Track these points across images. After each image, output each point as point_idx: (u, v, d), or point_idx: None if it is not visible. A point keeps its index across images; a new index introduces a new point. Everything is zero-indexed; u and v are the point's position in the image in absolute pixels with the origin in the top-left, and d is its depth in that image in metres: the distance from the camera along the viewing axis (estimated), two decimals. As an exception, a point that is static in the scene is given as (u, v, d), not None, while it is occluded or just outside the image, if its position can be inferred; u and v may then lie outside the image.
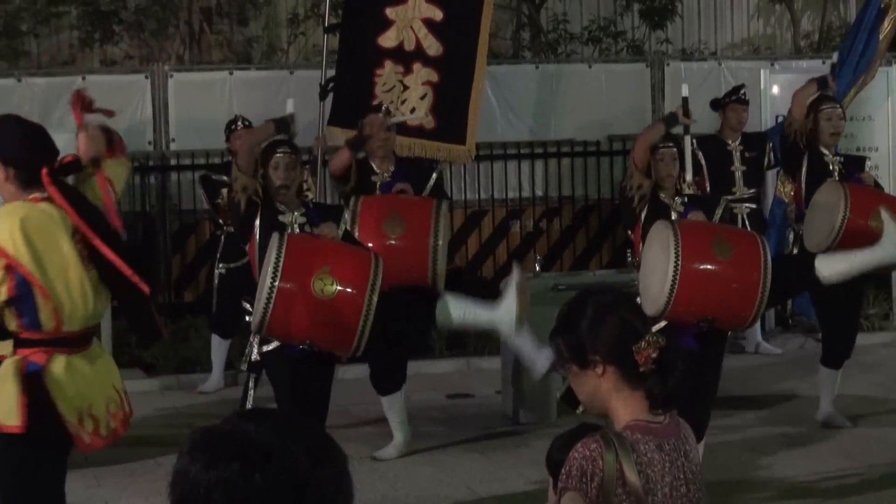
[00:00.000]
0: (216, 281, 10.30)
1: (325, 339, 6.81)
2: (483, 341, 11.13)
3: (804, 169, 8.99)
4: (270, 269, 6.61)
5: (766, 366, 10.34)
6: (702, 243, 6.95)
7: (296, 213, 7.41)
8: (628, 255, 9.73)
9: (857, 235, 7.98)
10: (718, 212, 7.76)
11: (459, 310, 7.23)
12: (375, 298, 6.64)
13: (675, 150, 7.78)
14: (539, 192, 12.72)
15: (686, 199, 7.78)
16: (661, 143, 7.76)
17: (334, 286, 6.64)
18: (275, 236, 6.82)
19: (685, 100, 8.30)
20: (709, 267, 6.92)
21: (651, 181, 7.71)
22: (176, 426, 9.12)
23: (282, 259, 6.62)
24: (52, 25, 13.42)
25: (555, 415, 8.92)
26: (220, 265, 10.22)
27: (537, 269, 9.61)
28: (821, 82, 9.27)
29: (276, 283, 6.58)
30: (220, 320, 10.27)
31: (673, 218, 7.47)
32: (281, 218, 7.33)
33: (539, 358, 7.40)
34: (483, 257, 12.55)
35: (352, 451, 6.60)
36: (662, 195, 7.68)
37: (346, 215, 7.73)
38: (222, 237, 10.36)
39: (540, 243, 12.57)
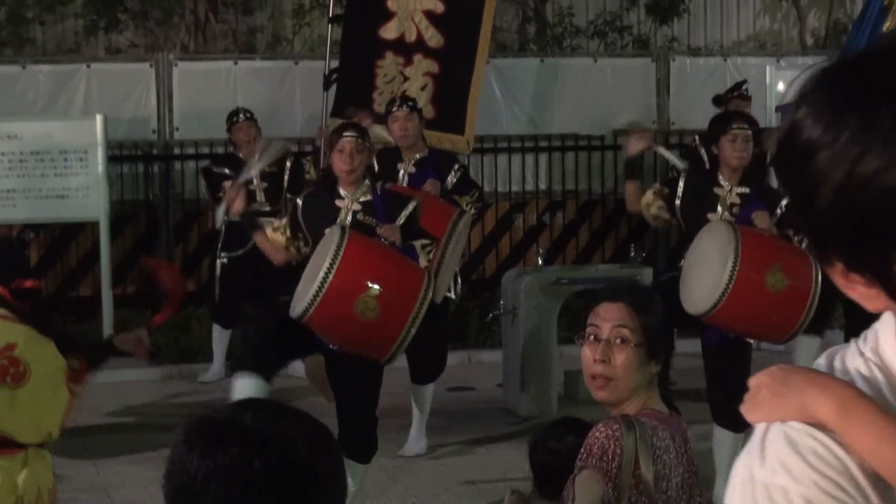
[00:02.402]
0: (218, 271, 10.28)
1: (359, 350, 6.55)
2: (485, 334, 11.11)
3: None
4: (327, 263, 6.24)
5: (768, 362, 10.32)
6: (759, 270, 6.66)
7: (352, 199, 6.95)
8: (632, 250, 9.72)
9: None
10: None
11: None
12: (413, 331, 6.36)
13: (749, 132, 7.07)
14: (542, 186, 12.70)
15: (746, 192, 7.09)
16: (735, 124, 7.13)
17: (376, 312, 6.29)
18: (335, 230, 6.45)
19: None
20: (757, 298, 6.65)
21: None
22: (177, 415, 9.12)
23: (338, 261, 6.25)
24: (57, 13, 13.39)
25: (556, 408, 8.91)
26: (223, 255, 10.21)
27: (540, 262, 9.59)
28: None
29: (328, 282, 6.21)
30: (221, 310, 10.26)
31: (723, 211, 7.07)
32: (337, 202, 6.92)
33: None
34: (486, 251, 12.54)
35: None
36: (722, 182, 7.09)
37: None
38: (223, 227, 10.35)
39: (543, 237, 12.56)
